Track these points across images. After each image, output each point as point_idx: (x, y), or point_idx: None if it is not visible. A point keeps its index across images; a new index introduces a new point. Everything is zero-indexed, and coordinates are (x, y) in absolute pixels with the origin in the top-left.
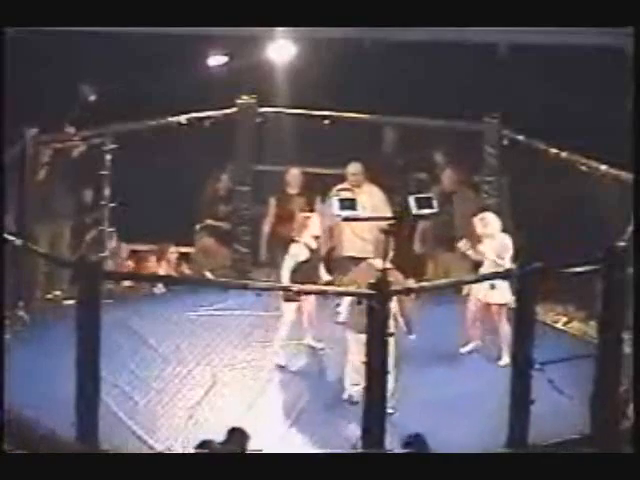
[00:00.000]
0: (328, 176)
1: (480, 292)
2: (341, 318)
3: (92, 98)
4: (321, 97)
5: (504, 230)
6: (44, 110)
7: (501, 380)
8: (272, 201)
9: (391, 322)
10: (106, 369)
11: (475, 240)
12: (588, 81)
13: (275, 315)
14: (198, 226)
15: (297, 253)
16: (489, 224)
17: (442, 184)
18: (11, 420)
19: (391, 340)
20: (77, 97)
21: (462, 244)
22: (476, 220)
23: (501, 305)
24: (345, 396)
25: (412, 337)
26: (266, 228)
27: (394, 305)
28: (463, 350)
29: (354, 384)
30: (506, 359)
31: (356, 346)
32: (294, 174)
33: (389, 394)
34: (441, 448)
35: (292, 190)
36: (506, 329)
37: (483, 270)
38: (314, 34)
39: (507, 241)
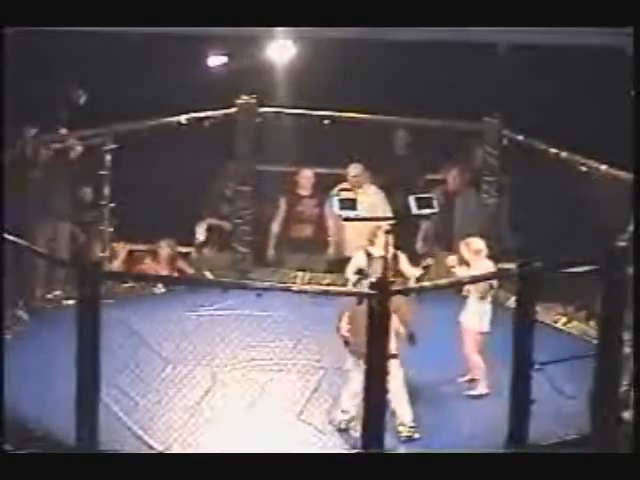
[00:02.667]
0: (333, 176)
1: (462, 317)
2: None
3: (82, 100)
4: (321, 97)
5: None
6: (44, 110)
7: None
8: (282, 201)
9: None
10: (106, 369)
11: (462, 261)
12: (588, 81)
13: (275, 315)
14: (199, 226)
15: (360, 260)
16: (473, 249)
17: (447, 184)
18: (11, 420)
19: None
20: (67, 99)
21: (450, 260)
22: (462, 244)
23: (474, 332)
24: (336, 423)
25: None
26: (275, 228)
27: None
28: (461, 380)
29: (345, 412)
30: (479, 389)
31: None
32: (306, 175)
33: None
34: (441, 448)
35: (303, 191)
36: (475, 359)
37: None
38: (314, 34)
39: (491, 268)
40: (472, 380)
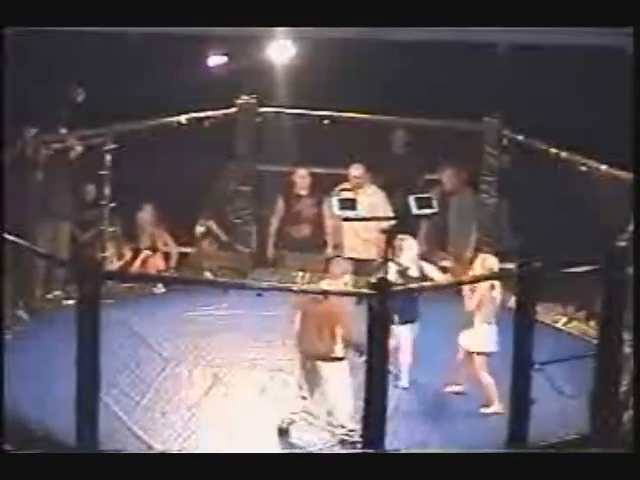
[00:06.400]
0: (331, 176)
1: (464, 339)
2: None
3: (81, 97)
4: (321, 97)
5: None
6: (44, 110)
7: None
8: (280, 201)
9: None
10: (106, 369)
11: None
12: (588, 81)
13: (275, 315)
14: (199, 226)
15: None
16: (487, 267)
17: (443, 185)
18: (11, 420)
19: None
20: (67, 99)
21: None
22: (480, 258)
23: (483, 354)
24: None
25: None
26: (273, 227)
27: None
28: (447, 390)
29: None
30: (493, 408)
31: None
32: (302, 175)
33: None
34: (441, 448)
35: (300, 191)
36: (487, 379)
37: None
38: (314, 34)
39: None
40: (487, 399)
